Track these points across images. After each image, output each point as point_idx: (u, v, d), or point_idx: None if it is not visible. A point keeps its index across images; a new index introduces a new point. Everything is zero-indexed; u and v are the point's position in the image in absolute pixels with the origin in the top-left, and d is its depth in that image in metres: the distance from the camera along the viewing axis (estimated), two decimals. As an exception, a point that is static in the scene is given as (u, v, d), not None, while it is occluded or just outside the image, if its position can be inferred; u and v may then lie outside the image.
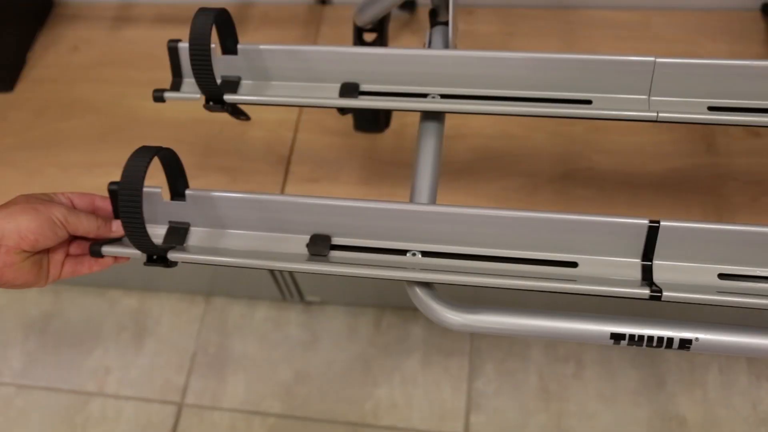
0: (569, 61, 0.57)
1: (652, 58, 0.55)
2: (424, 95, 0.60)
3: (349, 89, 0.61)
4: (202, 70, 0.57)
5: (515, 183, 0.88)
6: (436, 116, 0.60)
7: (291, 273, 0.96)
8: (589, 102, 0.57)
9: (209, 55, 0.56)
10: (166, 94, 0.61)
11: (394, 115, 0.95)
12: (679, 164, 0.87)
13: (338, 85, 0.61)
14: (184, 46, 0.60)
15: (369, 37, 0.84)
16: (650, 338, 0.48)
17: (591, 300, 0.52)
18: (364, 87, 0.61)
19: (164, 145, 0.51)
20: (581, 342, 0.48)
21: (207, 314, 1.07)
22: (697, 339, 0.48)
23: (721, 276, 0.50)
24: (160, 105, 0.87)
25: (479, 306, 0.49)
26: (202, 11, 0.56)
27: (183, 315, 1.07)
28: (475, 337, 0.99)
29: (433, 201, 0.56)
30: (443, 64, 0.59)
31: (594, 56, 0.56)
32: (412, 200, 0.56)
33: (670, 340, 0.48)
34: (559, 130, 0.91)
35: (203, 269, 1.02)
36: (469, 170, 0.90)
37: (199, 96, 0.60)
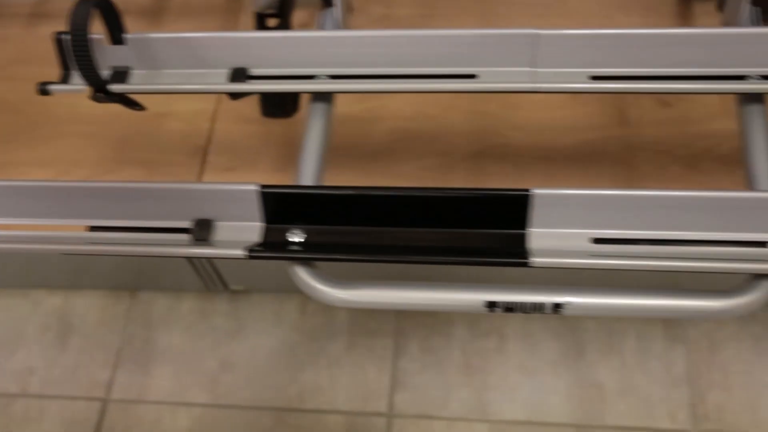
0: (453, 37, 0.58)
1: (534, 31, 0.56)
2: (313, 77, 0.60)
3: (239, 74, 0.60)
4: (83, 60, 0.56)
5: (431, 162, 0.88)
6: (324, 97, 0.60)
7: (212, 263, 0.95)
8: (473, 76, 0.58)
9: (88, 45, 0.55)
10: (51, 87, 0.60)
11: (307, 100, 0.94)
12: (592, 137, 0.89)
13: (228, 71, 0.61)
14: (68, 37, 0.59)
15: (272, 22, 0.83)
16: (523, 304, 0.49)
17: (470, 270, 0.53)
18: (254, 71, 0.61)
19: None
20: (458, 311, 0.49)
21: (132, 309, 1.05)
22: (568, 302, 0.49)
23: (594, 240, 0.51)
24: (75, 101, 0.85)
25: (358, 282, 0.50)
26: (83, 1, 0.55)
27: (108, 311, 1.06)
28: (400, 316, 1.00)
29: (317, 182, 0.56)
30: (331, 45, 0.60)
31: (477, 31, 0.57)
32: (297, 182, 0.56)
33: (542, 305, 0.49)
34: (475, 108, 0.92)
35: (127, 262, 1.01)
36: (385, 152, 0.90)
37: (85, 87, 0.59)
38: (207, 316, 1.03)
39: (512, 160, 0.88)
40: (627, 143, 0.88)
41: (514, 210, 0.51)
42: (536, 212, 0.51)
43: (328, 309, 1.02)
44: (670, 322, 0.97)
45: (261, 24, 0.82)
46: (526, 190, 0.50)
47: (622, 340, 0.97)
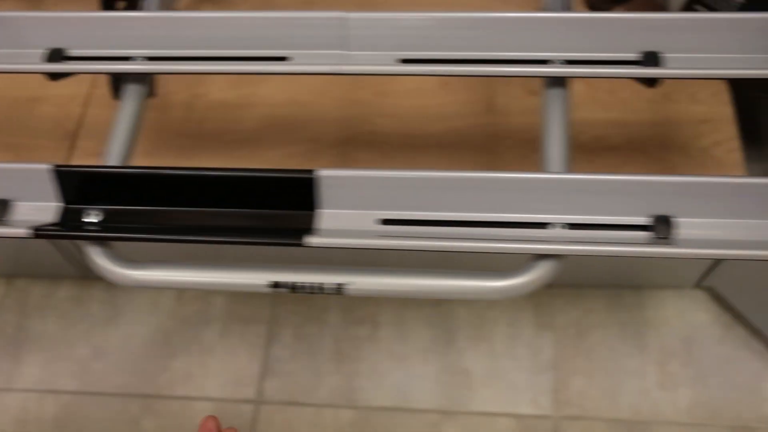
0: (266, 19, 0.58)
1: (342, 14, 0.56)
2: (130, 58, 0.60)
3: (55, 55, 0.60)
4: None
5: (298, 149, 0.89)
6: (138, 78, 0.60)
7: (80, 249, 0.94)
8: (284, 59, 0.58)
9: None
10: None
11: (185, 86, 0.94)
12: (460, 124, 0.90)
13: (45, 51, 0.60)
14: None
15: (120, 5, 0.82)
16: (306, 284, 0.49)
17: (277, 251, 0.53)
18: (73, 52, 0.60)
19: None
20: (244, 291, 0.49)
21: (7, 296, 1.04)
22: (349, 282, 0.49)
23: (382, 221, 0.51)
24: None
25: (149, 263, 0.50)
26: None
27: (-17, 298, 1.04)
28: (275, 303, 1.00)
29: (123, 163, 0.56)
30: (147, 27, 0.59)
31: (288, 13, 0.57)
32: (105, 163, 0.56)
33: (324, 285, 0.49)
34: (346, 96, 0.93)
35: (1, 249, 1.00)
36: (253, 139, 0.90)
37: None
38: (83, 304, 1.02)
39: (379, 147, 0.88)
40: (493, 131, 0.89)
41: (303, 191, 0.51)
42: (324, 193, 0.51)
43: (205, 296, 1.02)
44: (541, 309, 0.99)
45: (107, 4, 0.81)
46: (310, 172, 0.51)
47: (492, 327, 0.98)
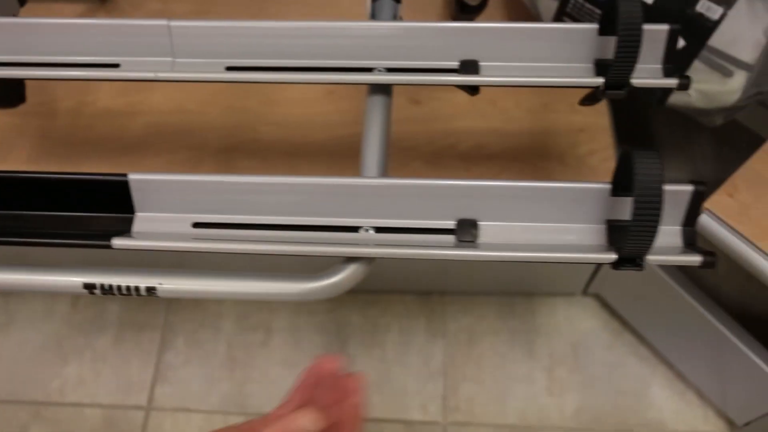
0: (96, 27, 0.58)
1: (165, 22, 0.57)
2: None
3: None
4: None
5: (181, 156, 0.89)
6: None
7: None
8: (117, 65, 0.59)
9: None
10: None
11: (73, 93, 0.94)
12: (343, 133, 0.91)
13: None
14: None
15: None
16: (119, 287, 0.50)
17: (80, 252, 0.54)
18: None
19: None
20: (58, 292, 0.49)
21: None
22: (160, 284, 0.50)
23: (195, 225, 0.52)
24: None
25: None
26: None
27: None
28: (170, 310, 1.00)
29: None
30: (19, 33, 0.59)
31: (115, 21, 0.58)
32: None
33: (138, 287, 0.50)
34: (233, 104, 0.93)
35: None
36: (138, 146, 0.90)
37: None
38: (-22, 311, 1.02)
39: (262, 155, 0.89)
40: (375, 140, 0.90)
41: (119, 195, 0.52)
42: (139, 197, 0.52)
43: (100, 303, 1.02)
44: (433, 316, 1.00)
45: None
46: (124, 176, 0.51)
47: (384, 334, 0.99)
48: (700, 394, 0.93)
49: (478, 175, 0.86)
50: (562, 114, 0.90)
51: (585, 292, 0.97)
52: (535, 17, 0.85)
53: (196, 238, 0.52)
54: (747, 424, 0.87)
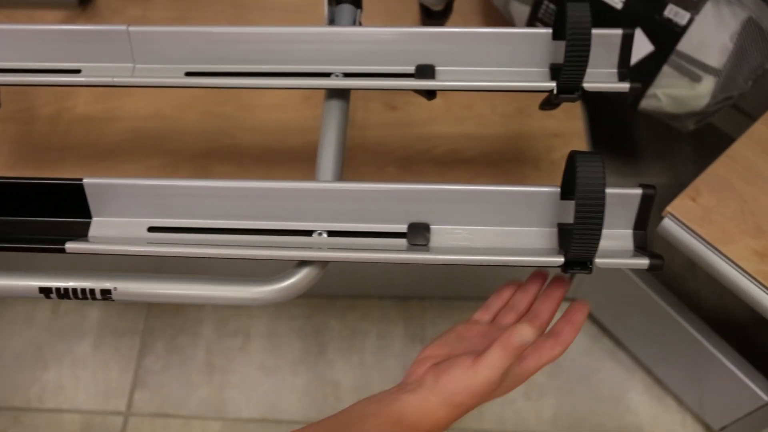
0: (58, 33, 0.59)
1: (124, 27, 0.57)
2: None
3: None
4: None
5: (158, 162, 0.89)
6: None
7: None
8: (78, 71, 0.59)
9: None
10: None
11: (53, 99, 0.95)
12: (317, 138, 0.91)
13: None
14: None
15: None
16: (75, 290, 0.50)
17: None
18: None
19: None
20: (14, 296, 0.50)
21: None
22: (115, 288, 0.50)
23: (150, 229, 0.52)
24: None
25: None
26: None
27: None
28: (150, 315, 1.00)
29: None
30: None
31: (76, 27, 0.58)
32: None
33: (93, 290, 0.50)
34: (211, 110, 0.94)
35: None
36: (115, 152, 0.91)
37: None
38: (-41, 317, 1.03)
39: (238, 160, 0.89)
40: (351, 144, 0.90)
41: (76, 200, 0.52)
42: (94, 202, 0.52)
43: (80, 308, 1.02)
44: (412, 321, 1.00)
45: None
46: (80, 180, 0.52)
47: (363, 339, 0.99)
48: (678, 399, 0.93)
49: (453, 179, 0.86)
50: (537, 119, 0.90)
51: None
52: (509, 22, 0.85)
53: (151, 242, 0.52)
54: (723, 428, 0.86)
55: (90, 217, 0.53)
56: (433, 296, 1.00)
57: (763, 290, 0.60)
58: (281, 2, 1.04)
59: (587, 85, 0.52)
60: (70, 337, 0.99)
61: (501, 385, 0.46)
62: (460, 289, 1.00)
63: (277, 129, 0.92)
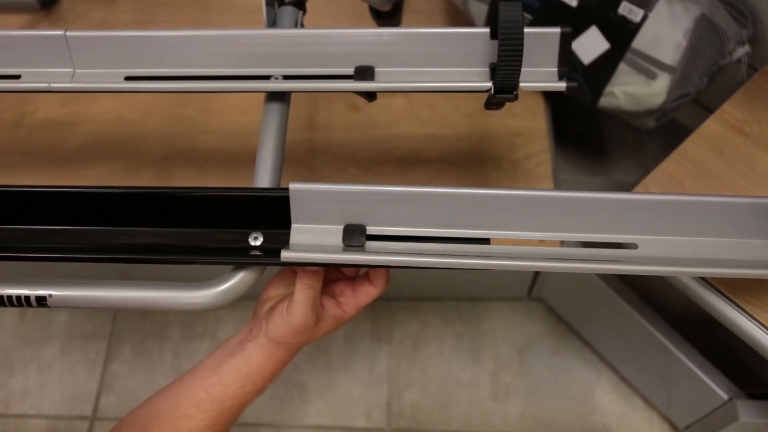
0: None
1: (61, 32, 0.57)
2: None
3: None
4: None
5: (119, 166, 0.89)
6: None
7: None
8: (18, 77, 0.59)
9: None
10: None
11: (15, 104, 0.95)
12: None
13: None
14: None
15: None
16: (9, 297, 0.50)
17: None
18: None
19: None
20: None
21: None
22: (50, 295, 0.50)
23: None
24: None
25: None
26: None
27: None
28: (117, 319, 1.00)
29: None
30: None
31: (14, 32, 0.58)
32: None
33: (28, 298, 0.50)
34: (172, 113, 0.93)
35: None
36: (77, 156, 0.91)
37: None
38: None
39: (200, 164, 0.89)
40: (312, 146, 0.90)
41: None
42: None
43: (47, 314, 1.02)
44: (379, 322, 1.00)
45: None
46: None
47: (329, 340, 0.98)
48: (645, 398, 0.92)
49: (414, 181, 0.86)
50: (499, 118, 0.90)
51: (530, 296, 0.97)
52: (470, 22, 0.85)
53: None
54: (688, 427, 0.86)
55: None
56: (400, 297, 1.00)
57: (713, 291, 0.60)
58: (244, 4, 1.03)
59: (524, 85, 0.52)
60: (36, 342, 0.99)
61: (321, 324, 0.52)
62: (427, 291, 1.00)
63: (238, 132, 0.91)
